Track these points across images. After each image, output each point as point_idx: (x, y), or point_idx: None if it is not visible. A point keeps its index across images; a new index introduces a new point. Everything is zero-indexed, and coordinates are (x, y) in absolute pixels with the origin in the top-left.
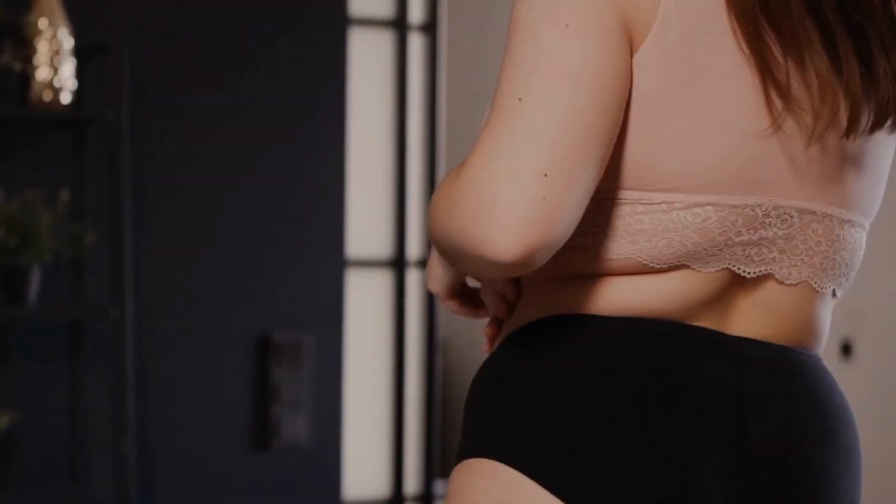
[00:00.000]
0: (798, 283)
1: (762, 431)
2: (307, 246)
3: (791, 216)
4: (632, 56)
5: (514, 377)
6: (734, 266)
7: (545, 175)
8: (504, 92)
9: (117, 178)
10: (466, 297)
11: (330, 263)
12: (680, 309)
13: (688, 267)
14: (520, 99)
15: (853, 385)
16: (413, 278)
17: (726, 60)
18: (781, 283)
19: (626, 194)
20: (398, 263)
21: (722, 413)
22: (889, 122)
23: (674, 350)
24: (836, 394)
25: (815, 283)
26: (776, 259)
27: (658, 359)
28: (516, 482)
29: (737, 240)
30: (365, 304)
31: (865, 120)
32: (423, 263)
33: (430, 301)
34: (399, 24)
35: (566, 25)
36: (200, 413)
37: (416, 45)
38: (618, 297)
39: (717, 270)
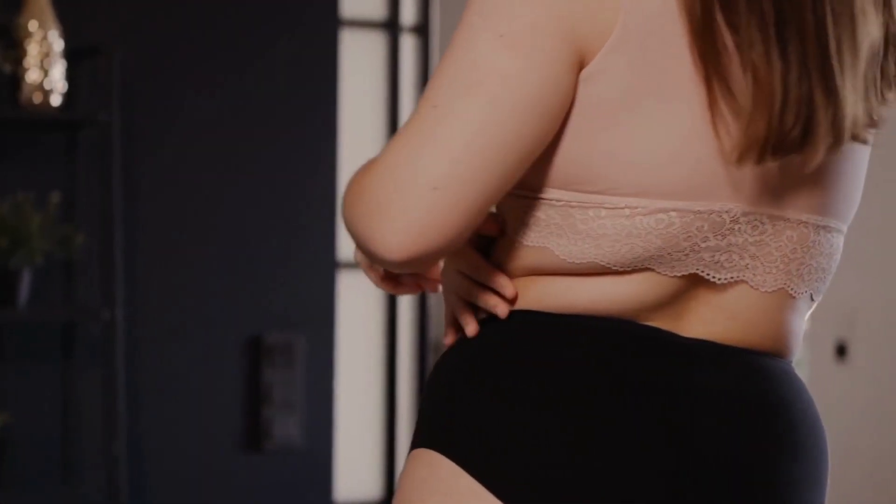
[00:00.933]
0: (774, 291)
1: (709, 431)
2: (299, 247)
3: (762, 223)
4: (582, 67)
5: (462, 370)
6: (702, 271)
7: (435, 189)
8: (426, 96)
9: (108, 180)
10: (388, 273)
11: (322, 265)
12: (636, 309)
13: (651, 270)
14: (434, 106)
15: (848, 386)
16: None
17: (687, 69)
18: (756, 289)
19: (590, 198)
20: None
21: (665, 412)
22: (847, 142)
23: (620, 348)
24: (801, 400)
25: (792, 289)
26: (749, 266)
27: (602, 356)
28: (454, 475)
29: (703, 245)
30: (357, 305)
31: (820, 140)
32: None
33: (421, 302)
34: (391, 26)
35: (500, 36)
36: (192, 414)
37: (409, 46)
38: (577, 295)
39: (682, 275)
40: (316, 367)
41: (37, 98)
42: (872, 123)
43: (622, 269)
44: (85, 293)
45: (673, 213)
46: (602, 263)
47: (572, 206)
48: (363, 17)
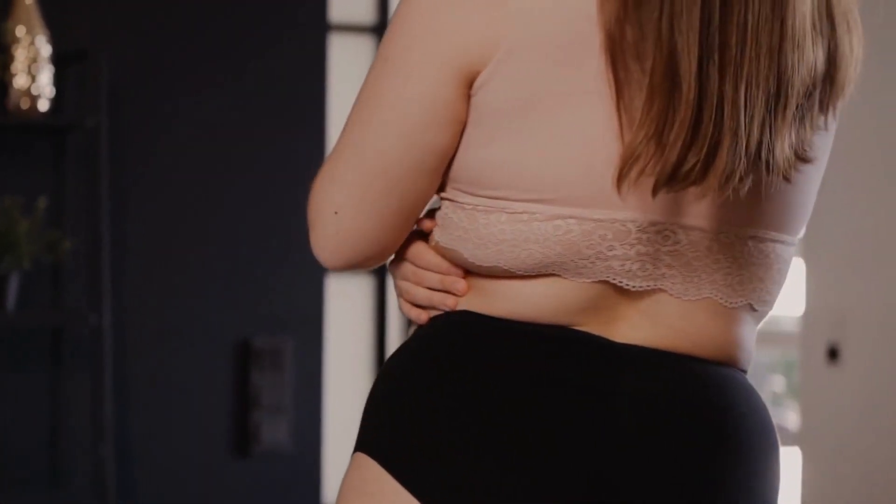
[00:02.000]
0: (699, 300)
1: (632, 433)
2: (288, 251)
3: (674, 232)
4: (473, 78)
5: (388, 372)
6: (614, 279)
7: (335, 213)
8: (346, 119)
9: (96, 185)
10: None
11: (310, 269)
12: (557, 314)
13: (558, 276)
14: (343, 131)
15: (840, 389)
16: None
17: (593, 81)
18: (677, 298)
19: (492, 203)
20: (379, 269)
21: (588, 413)
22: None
23: (542, 350)
24: (742, 405)
25: (722, 299)
26: (666, 275)
27: (522, 358)
28: (380, 478)
29: (610, 254)
30: (346, 309)
31: (715, 176)
32: None
33: None
34: (379, 30)
35: (386, 60)
36: (181, 418)
37: None
38: (497, 299)
39: (594, 282)
40: (305, 372)
41: (24, 103)
42: (803, 158)
43: (526, 274)
44: (72, 298)
45: (571, 221)
46: (504, 267)
47: (478, 210)
48: (352, 21)
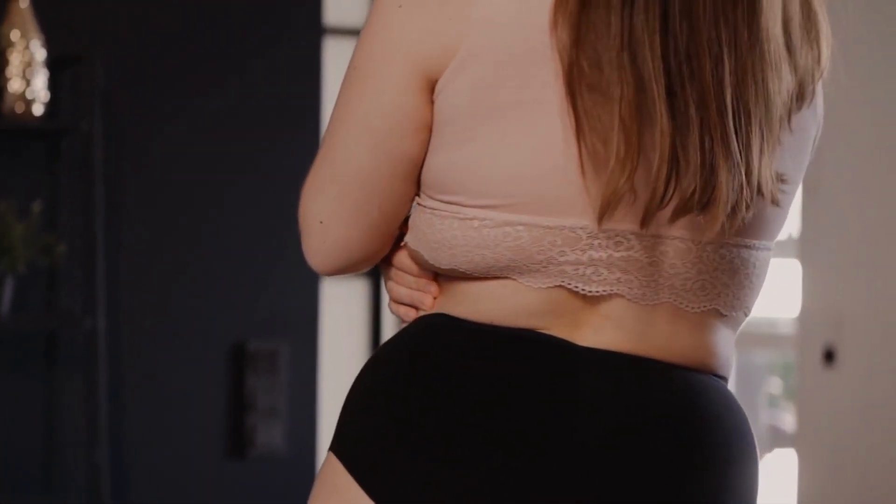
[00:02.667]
0: (658, 304)
1: (588, 434)
2: (283, 255)
3: (627, 239)
4: (434, 84)
5: (363, 373)
6: (568, 284)
7: (321, 222)
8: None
9: (90, 189)
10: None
11: (305, 272)
12: (520, 317)
13: (512, 279)
14: (322, 140)
15: (836, 391)
16: None
17: (542, 91)
18: (636, 303)
19: (446, 208)
20: (374, 273)
21: (543, 414)
22: (687, 212)
23: (502, 354)
24: (708, 409)
25: (682, 304)
26: (622, 280)
27: (483, 363)
28: (340, 473)
29: (562, 259)
30: (340, 312)
31: (720, 206)
32: None
33: None
34: None
35: (354, 69)
36: (175, 422)
37: None
38: (467, 302)
39: (549, 287)
40: (299, 375)
41: (19, 108)
42: (783, 179)
43: (484, 276)
44: (67, 301)
45: (520, 227)
46: (461, 270)
47: (434, 214)
48: (346, 24)
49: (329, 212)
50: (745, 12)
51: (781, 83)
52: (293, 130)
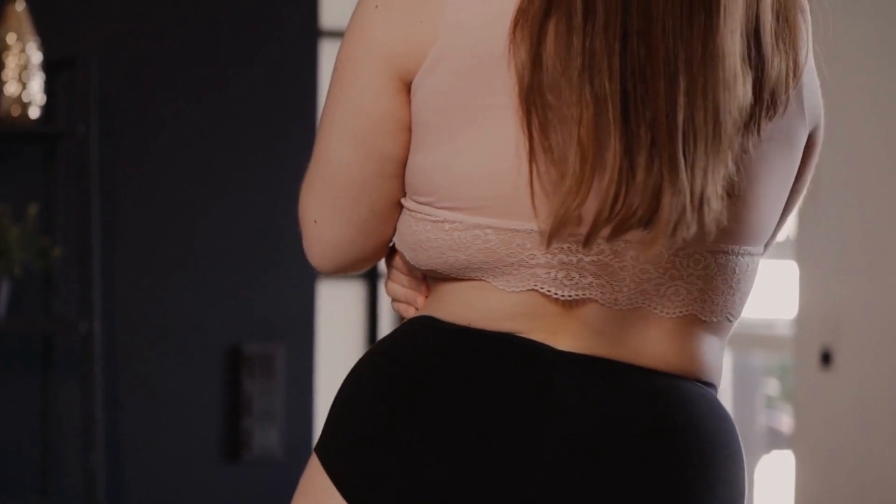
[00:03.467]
0: (630, 309)
1: (560, 438)
2: (279, 257)
3: (598, 243)
4: (410, 87)
5: (350, 374)
6: (541, 287)
7: (315, 222)
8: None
9: (86, 192)
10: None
11: (302, 275)
12: (500, 320)
13: (486, 281)
14: (315, 141)
15: (833, 393)
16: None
17: (512, 97)
18: (609, 308)
19: (420, 209)
20: (370, 275)
21: (515, 417)
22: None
23: (479, 356)
24: (686, 415)
25: (656, 309)
26: (593, 284)
27: (458, 365)
28: (318, 473)
29: (533, 262)
30: (337, 315)
31: (662, 228)
32: None
33: None
34: None
35: (336, 70)
36: (171, 425)
37: None
38: (449, 303)
39: (523, 290)
40: (296, 378)
41: (15, 111)
42: (731, 194)
43: (461, 278)
44: (63, 305)
45: (489, 230)
46: (438, 271)
47: (412, 216)
48: (342, 27)
49: (321, 211)
50: (701, 30)
51: (734, 100)
52: (288, 133)
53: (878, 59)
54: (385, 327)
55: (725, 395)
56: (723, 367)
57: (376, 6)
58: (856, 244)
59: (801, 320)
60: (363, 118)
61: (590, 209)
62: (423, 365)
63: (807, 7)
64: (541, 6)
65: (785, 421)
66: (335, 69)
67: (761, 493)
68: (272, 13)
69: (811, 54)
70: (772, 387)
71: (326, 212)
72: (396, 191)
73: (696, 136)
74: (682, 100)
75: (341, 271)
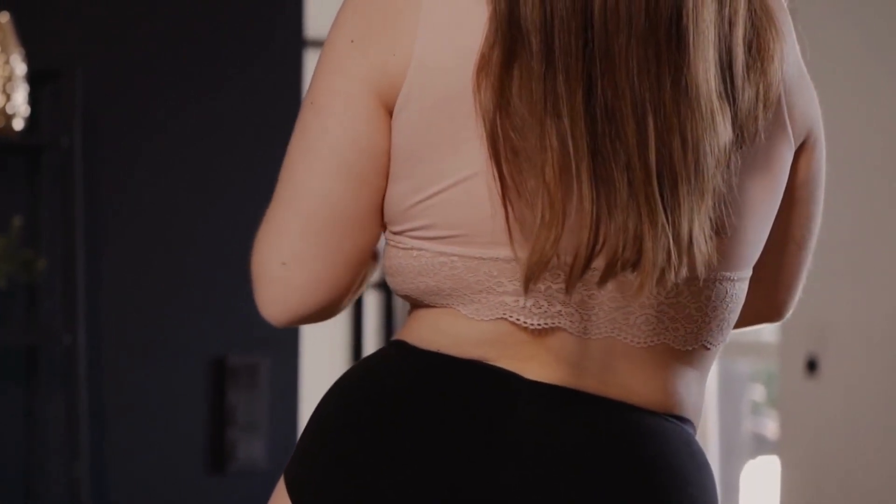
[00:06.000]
0: (600, 339)
1: (512, 478)
2: None
3: (564, 271)
4: (391, 115)
5: (322, 399)
6: (509, 316)
7: (283, 264)
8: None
9: (70, 204)
10: None
11: None
12: (469, 348)
13: (456, 309)
14: (279, 180)
15: (819, 401)
16: (371, 300)
17: (475, 132)
18: (577, 336)
19: (392, 238)
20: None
21: (473, 447)
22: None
23: (447, 385)
24: (657, 455)
25: (626, 338)
26: (563, 313)
27: (422, 394)
28: (282, 496)
29: (500, 290)
30: (321, 327)
31: (648, 271)
32: (381, 285)
33: (387, 323)
34: None
35: (311, 103)
36: (156, 436)
37: None
38: (423, 329)
39: (492, 319)
40: (280, 389)
41: None
42: (721, 232)
43: (432, 304)
44: (47, 316)
45: (455, 258)
46: (412, 297)
47: (388, 242)
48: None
49: (294, 252)
50: (671, 67)
51: (716, 137)
52: (274, 144)
53: (865, 64)
54: (370, 338)
55: (711, 400)
56: (702, 403)
57: (352, 40)
58: (841, 252)
59: (786, 327)
60: (355, 148)
61: (568, 251)
62: (389, 390)
63: (786, 19)
64: (500, 53)
65: (770, 426)
66: (311, 105)
67: (747, 497)
68: (257, 25)
69: (800, 61)
70: (758, 392)
71: (301, 251)
72: (379, 225)
73: (675, 177)
74: (653, 140)
75: (302, 321)
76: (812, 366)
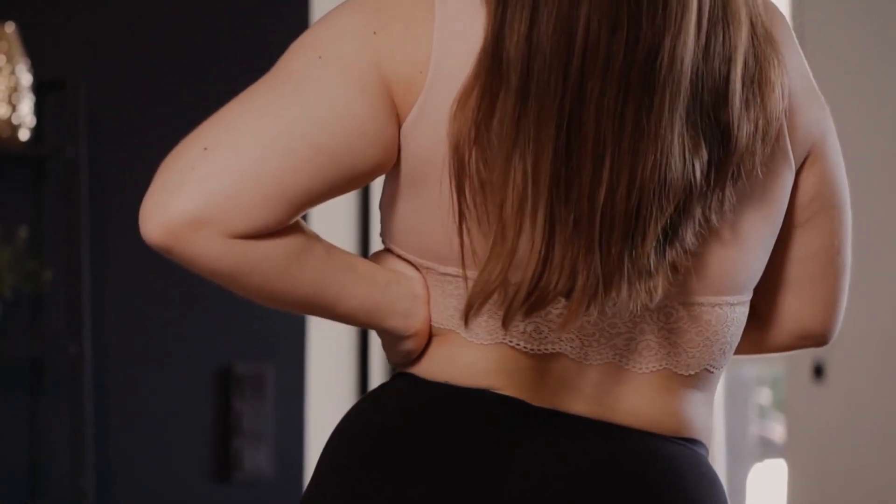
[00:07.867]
0: (601, 364)
1: (524, 499)
2: None
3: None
4: (400, 122)
5: (337, 428)
6: (510, 341)
7: (205, 148)
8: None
9: (76, 214)
10: None
11: None
12: (474, 377)
13: (457, 333)
14: (237, 100)
15: (826, 405)
16: None
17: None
18: (577, 362)
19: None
20: None
21: (475, 485)
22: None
23: (454, 415)
24: (668, 480)
25: (627, 364)
26: (562, 338)
27: (434, 424)
28: None
29: (499, 313)
30: (328, 335)
31: (576, 305)
32: None
33: None
34: None
35: (319, 57)
36: (162, 445)
37: None
38: (427, 360)
39: (493, 343)
40: (286, 398)
41: (4, 133)
42: (682, 270)
43: (434, 332)
44: (52, 327)
45: (458, 279)
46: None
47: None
48: None
49: (216, 137)
50: (636, 109)
51: (670, 174)
52: None
53: (867, 66)
54: (376, 349)
55: (718, 404)
56: (712, 422)
57: (374, 31)
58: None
59: None
60: (347, 115)
61: (514, 284)
62: (397, 424)
63: (788, 33)
64: (480, 88)
65: (777, 430)
66: (318, 58)
67: (754, 500)
68: (260, 34)
69: (805, 70)
70: (764, 396)
71: (226, 139)
72: (327, 196)
73: (613, 216)
74: (605, 180)
75: (188, 227)
76: (819, 370)
